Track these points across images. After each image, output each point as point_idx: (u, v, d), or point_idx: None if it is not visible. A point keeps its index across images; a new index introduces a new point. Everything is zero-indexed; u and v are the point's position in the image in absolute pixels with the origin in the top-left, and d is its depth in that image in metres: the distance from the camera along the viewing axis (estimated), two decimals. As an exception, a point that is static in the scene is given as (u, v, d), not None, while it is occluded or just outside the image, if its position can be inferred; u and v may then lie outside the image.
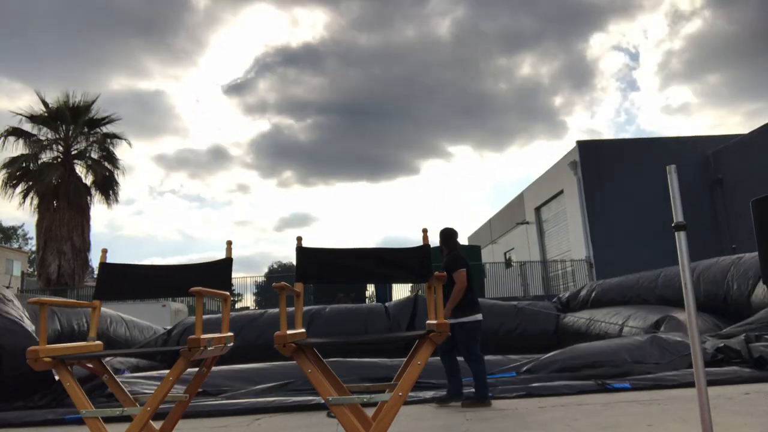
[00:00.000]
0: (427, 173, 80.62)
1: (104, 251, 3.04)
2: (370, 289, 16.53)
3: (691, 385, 3.90)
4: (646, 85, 67.57)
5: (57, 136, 19.37)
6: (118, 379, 2.72)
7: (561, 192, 21.96)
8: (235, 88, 77.58)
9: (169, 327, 9.07)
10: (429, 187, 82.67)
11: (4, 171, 18.33)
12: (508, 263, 26.07)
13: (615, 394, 3.93)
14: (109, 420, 2.61)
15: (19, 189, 18.53)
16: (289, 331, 2.39)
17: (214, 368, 3.59)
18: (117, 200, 19.91)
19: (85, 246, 18.34)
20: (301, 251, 2.93)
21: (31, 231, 29.28)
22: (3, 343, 4.47)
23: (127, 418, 2.47)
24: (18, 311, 4.80)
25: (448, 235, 4.57)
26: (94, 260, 21.08)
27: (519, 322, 9.07)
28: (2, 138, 18.58)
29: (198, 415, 3.91)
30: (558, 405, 3.64)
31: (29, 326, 4.72)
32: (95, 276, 3.26)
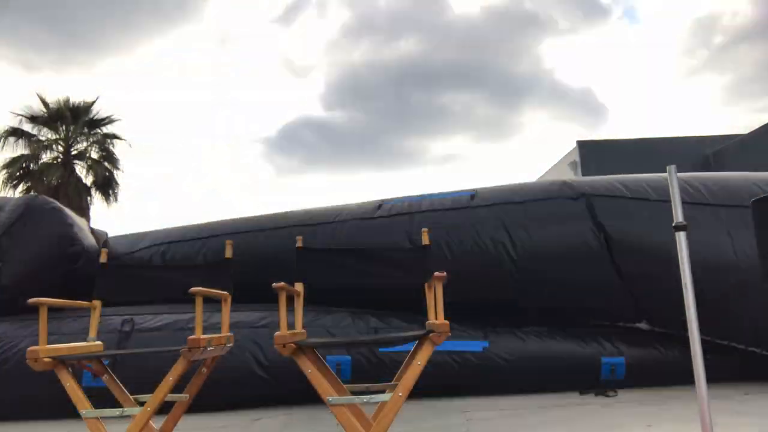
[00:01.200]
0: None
1: (104, 251, 3.05)
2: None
3: (690, 384, 3.90)
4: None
5: (57, 137, 19.42)
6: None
7: (561, 192, 21.99)
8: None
9: None
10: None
11: (4, 171, 18.38)
12: (508, 263, 26.04)
13: (615, 395, 3.93)
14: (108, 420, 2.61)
15: (19, 189, 18.58)
16: (290, 331, 2.39)
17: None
18: (117, 200, 20.00)
19: (85, 246, 18.35)
20: (301, 251, 2.94)
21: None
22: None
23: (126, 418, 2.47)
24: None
25: None
26: (94, 260, 21.06)
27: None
28: (2, 138, 18.62)
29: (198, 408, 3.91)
30: (558, 405, 3.64)
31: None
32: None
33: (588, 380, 4.00)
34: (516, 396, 4.09)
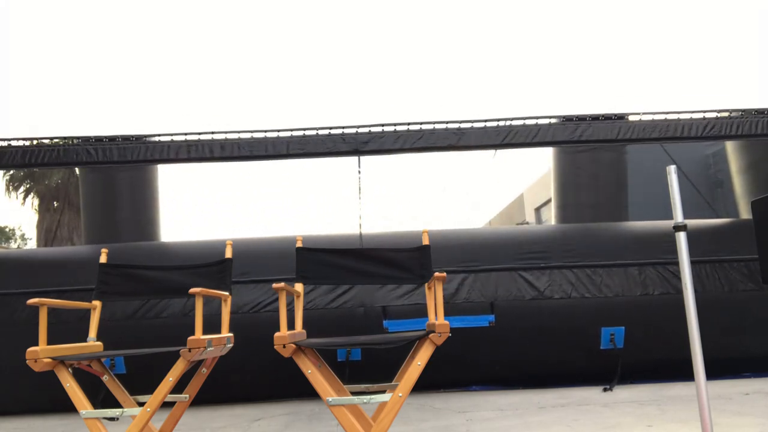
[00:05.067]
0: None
1: (104, 251, 3.05)
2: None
3: (690, 384, 3.90)
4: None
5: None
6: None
7: (561, 192, 21.95)
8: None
9: None
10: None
11: (6, 172, 18.40)
12: (508, 263, 25.98)
13: (615, 394, 3.93)
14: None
15: (21, 190, 18.62)
16: (289, 332, 2.40)
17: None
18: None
19: (86, 247, 18.39)
20: (301, 252, 2.94)
21: (31, 232, 29.37)
22: None
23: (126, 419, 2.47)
24: None
25: None
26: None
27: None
28: (2, 139, 18.62)
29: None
30: (558, 405, 3.64)
31: None
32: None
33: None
34: (516, 395, 4.10)
